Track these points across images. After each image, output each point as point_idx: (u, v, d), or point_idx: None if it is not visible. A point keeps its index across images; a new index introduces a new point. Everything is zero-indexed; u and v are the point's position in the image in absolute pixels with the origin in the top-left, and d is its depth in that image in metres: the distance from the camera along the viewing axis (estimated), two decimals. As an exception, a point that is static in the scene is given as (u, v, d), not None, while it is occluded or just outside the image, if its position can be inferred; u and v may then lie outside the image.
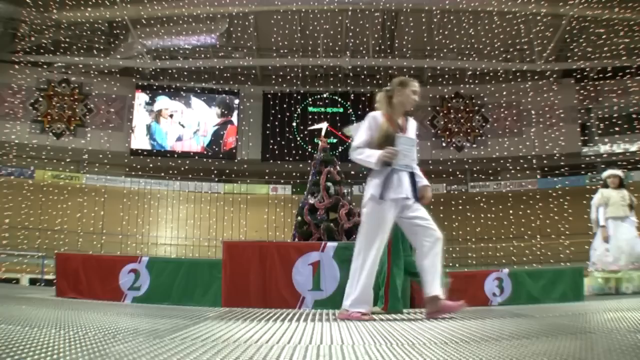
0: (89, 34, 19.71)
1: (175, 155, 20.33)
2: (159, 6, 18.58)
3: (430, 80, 21.50)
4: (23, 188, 17.71)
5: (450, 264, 17.28)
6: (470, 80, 21.12)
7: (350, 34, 19.92)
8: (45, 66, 19.45)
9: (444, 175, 20.00)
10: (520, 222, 18.62)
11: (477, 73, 20.38)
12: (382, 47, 20.97)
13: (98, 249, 17.77)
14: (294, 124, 20.71)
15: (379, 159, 3.21)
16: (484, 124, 20.94)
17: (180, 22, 18.74)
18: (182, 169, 20.10)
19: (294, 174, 19.88)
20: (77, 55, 19.34)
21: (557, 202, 18.04)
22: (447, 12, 18.83)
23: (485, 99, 21.03)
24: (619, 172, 6.55)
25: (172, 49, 20.45)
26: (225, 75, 20.73)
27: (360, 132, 3.39)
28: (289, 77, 20.92)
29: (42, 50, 18.76)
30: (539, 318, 3.23)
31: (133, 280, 4.70)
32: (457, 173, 20.53)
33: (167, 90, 20.77)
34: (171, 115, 20.68)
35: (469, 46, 20.20)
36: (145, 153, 19.92)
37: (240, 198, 19.89)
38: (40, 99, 19.50)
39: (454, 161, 20.33)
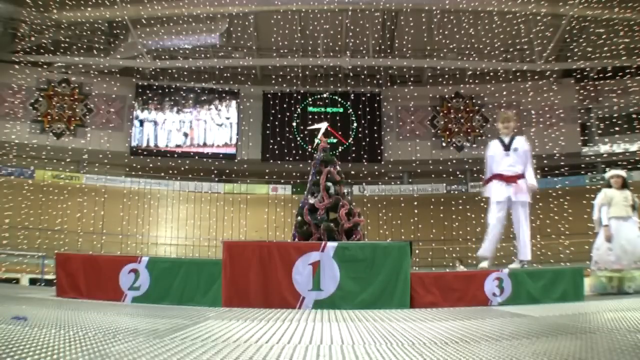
0: (89, 34, 19.70)
1: (175, 155, 20.31)
2: (159, 6, 18.58)
3: (430, 80, 21.48)
4: (23, 188, 17.70)
5: (451, 264, 17.25)
6: (470, 80, 21.11)
7: (350, 34, 19.91)
8: (45, 66, 19.45)
9: (444, 175, 19.97)
10: (520, 222, 18.56)
11: (477, 73, 20.38)
12: (382, 47, 20.97)
13: (98, 249, 17.76)
14: (294, 124, 20.70)
15: None
16: (484, 124, 20.95)
17: (180, 22, 18.74)
18: (182, 169, 20.08)
19: (294, 174, 19.86)
20: (77, 55, 19.34)
21: (557, 202, 18.00)
22: (447, 12, 18.83)
23: (485, 99, 21.03)
24: (622, 173, 6.48)
25: (172, 49, 20.44)
26: (225, 75, 20.72)
27: None
28: (289, 77, 20.90)
29: (42, 50, 18.76)
30: (539, 318, 3.23)
31: (133, 280, 4.69)
32: (457, 173, 20.51)
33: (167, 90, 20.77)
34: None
35: (469, 46, 20.19)
36: (145, 153, 19.92)
37: (240, 198, 19.88)
38: (40, 99, 19.50)
39: (454, 161, 20.31)
